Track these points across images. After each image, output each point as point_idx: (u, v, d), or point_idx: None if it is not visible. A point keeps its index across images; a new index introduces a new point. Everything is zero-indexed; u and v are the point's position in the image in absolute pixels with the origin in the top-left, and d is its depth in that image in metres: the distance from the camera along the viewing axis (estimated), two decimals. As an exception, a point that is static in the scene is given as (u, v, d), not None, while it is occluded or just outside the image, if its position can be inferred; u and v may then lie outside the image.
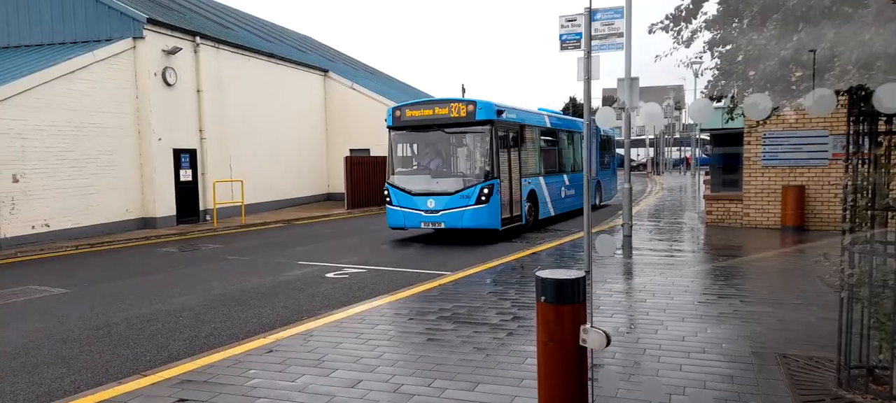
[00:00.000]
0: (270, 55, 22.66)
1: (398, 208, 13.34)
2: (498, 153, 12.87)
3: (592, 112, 8.75)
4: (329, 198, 25.71)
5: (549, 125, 16.66)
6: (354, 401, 4.06)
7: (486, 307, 6.62)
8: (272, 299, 7.97)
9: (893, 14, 2.94)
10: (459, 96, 24.24)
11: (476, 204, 12.54)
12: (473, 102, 12.90)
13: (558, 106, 60.90)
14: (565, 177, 17.25)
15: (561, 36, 9.76)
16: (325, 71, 26.41)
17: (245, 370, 4.75)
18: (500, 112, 13.04)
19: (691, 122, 46.37)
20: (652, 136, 55.30)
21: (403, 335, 5.69)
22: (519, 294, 7.23)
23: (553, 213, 16.22)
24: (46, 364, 5.48)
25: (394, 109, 13.74)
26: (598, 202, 19.95)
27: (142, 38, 16.60)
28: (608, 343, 2.38)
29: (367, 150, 24.95)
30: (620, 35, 9.60)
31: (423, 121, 13.33)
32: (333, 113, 26.23)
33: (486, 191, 12.53)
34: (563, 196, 16.94)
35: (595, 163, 15.74)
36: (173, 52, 17.44)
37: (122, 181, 16.20)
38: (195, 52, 18.55)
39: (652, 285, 7.54)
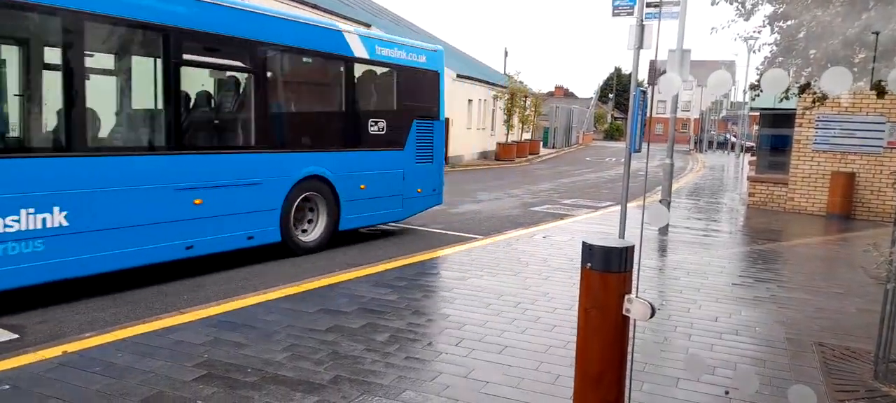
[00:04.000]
0: (314, 6, 22.62)
1: None
2: None
3: (639, 84, 8.54)
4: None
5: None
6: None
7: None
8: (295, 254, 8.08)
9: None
10: (502, 61, 22.69)
11: None
12: None
13: (603, 76, 59.40)
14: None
15: (614, 0, 9.47)
16: (368, 26, 26.27)
17: (268, 311, 4.86)
18: None
19: (741, 100, 44.92)
20: (696, 115, 53.71)
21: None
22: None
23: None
24: (90, 298, 5.71)
25: None
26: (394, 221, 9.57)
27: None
28: (652, 315, 2.36)
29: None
30: (676, 3, 9.27)
31: None
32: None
33: None
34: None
35: (412, 147, 9.08)
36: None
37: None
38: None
39: (686, 263, 7.43)
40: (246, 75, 7.25)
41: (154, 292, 5.92)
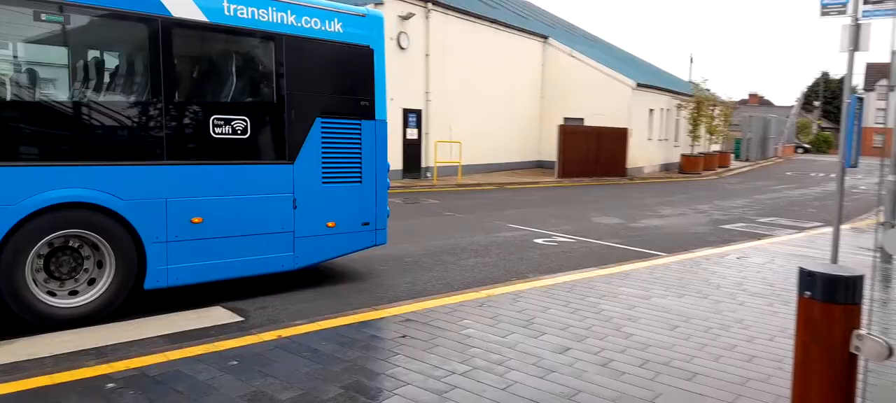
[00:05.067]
0: (493, 21, 23.19)
1: None
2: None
3: (853, 90, 7.48)
4: (539, 165, 25.85)
5: None
6: (562, 367, 4.09)
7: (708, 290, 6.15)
8: (483, 257, 8.32)
9: None
10: (687, 69, 21.49)
11: None
12: None
13: (807, 82, 53.19)
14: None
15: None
16: (545, 37, 26.30)
17: (459, 318, 5.05)
18: None
19: None
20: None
21: (610, 311, 5.56)
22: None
23: None
24: (297, 290, 6.40)
25: None
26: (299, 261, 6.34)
27: (382, 3, 18.08)
28: (890, 356, 2.05)
29: (581, 120, 24.49)
30: (905, -3, 7.98)
31: None
32: (550, 80, 26.10)
33: None
34: None
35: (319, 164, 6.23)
36: (407, 17, 18.75)
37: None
38: (426, 17, 19.72)
39: (920, 298, 6.33)
40: None
41: (352, 288, 6.47)
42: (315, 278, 6.73)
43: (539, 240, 9.71)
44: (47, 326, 4.83)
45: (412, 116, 19.62)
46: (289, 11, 6.01)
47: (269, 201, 5.96)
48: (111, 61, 5.75)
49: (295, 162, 6.10)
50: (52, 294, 4.94)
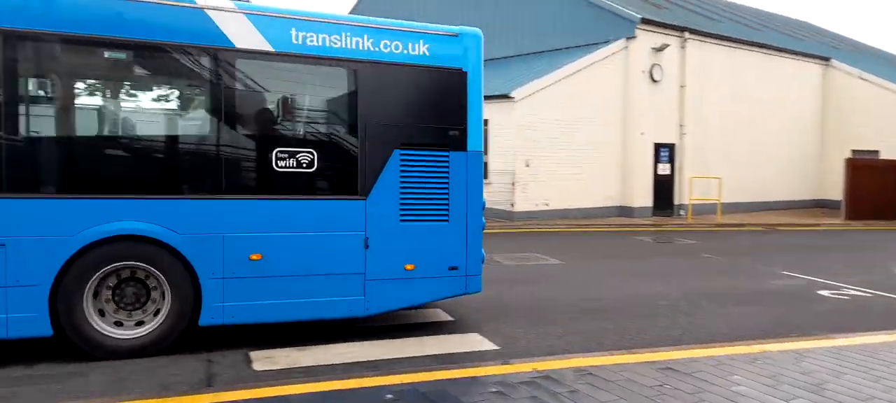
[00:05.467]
0: (759, 45, 20.99)
1: None
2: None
3: None
4: (820, 204, 22.37)
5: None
6: (869, 447, 3.39)
7: None
8: (752, 306, 7.42)
9: None
10: None
11: None
12: None
13: None
14: None
15: None
16: (826, 59, 22.92)
17: (728, 373, 4.54)
18: None
19: None
20: None
21: (937, 385, 4.47)
22: None
23: None
24: (549, 323, 6.43)
25: None
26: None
27: (634, 37, 17.64)
28: None
29: (876, 152, 20.63)
30: None
31: None
32: (833, 107, 22.59)
33: None
34: None
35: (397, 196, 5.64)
36: (661, 49, 17.97)
37: (606, 171, 17.68)
38: (682, 47, 18.67)
39: None
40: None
41: (599, 327, 6.29)
42: (555, 310, 6.69)
43: (823, 292, 8.33)
44: (99, 356, 4.85)
45: (664, 151, 18.61)
46: (365, 36, 5.56)
47: (336, 239, 5.49)
48: (171, 94, 5.74)
49: (368, 197, 5.56)
50: (119, 324, 5.01)
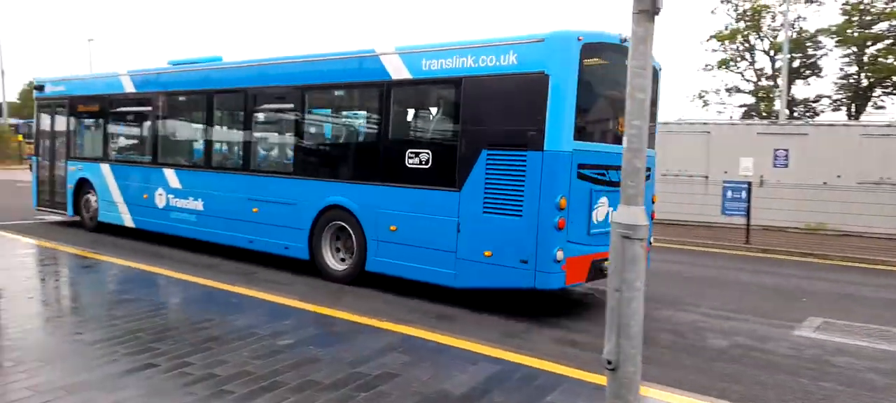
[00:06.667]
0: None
1: None
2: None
3: None
4: None
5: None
6: None
7: None
8: None
9: None
10: None
11: None
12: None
13: None
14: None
15: None
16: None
17: None
18: None
19: None
20: None
21: None
22: None
23: None
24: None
25: None
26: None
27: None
28: None
29: None
30: None
31: None
32: None
33: None
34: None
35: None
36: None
37: None
38: None
39: None
40: (288, 112, 8.68)
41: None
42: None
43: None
44: (326, 278, 7.95)
45: None
46: (469, 55, 6.68)
47: (439, 222, 6.86)
48: (360, 115, 8.61)
49: (461, 190, 6.68)
50: (343, 260, 7.99)
